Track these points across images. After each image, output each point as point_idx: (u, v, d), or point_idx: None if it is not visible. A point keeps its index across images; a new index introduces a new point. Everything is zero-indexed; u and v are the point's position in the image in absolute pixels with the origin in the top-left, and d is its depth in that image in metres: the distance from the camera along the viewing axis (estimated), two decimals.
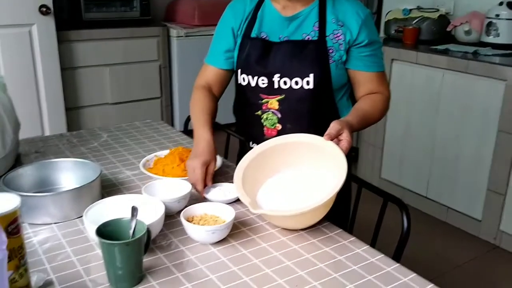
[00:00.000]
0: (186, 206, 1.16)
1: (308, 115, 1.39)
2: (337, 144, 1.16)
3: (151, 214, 1.07)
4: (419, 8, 3.18)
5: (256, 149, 1.25)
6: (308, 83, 1.35)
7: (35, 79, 3.21)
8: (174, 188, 1.25)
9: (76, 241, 1.07)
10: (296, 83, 1.36)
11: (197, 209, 1.13)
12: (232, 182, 1.20)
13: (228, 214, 1.10)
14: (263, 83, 1.40)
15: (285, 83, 1.37)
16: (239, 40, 1.44)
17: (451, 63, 2.65)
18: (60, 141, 1.70)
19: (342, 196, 1.10)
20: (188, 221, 1.09)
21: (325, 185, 1.12)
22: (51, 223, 1.14)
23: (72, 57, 3.41)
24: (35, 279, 0.90)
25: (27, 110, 3.17)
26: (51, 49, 3.22)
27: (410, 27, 3.03)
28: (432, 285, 0.91)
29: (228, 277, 0.95)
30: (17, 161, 1.49)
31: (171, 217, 1.17)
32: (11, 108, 1.47)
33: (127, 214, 0.98)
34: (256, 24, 1.42)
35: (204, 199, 1.25)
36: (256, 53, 1.39)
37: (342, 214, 1.39)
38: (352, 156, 1.61)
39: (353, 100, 1.48)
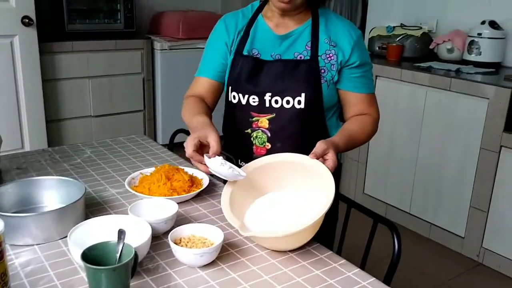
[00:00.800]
0: (173, 227, 1.14)
1: (298, 135, 1.38)
2: (323, 163, 1.15)
3: (137, 236, 1.05)
4: (402, 26, 3.22)
5: (243, 170, 1.23)
6: (299, 102, 1.35)
7: (15, 90, 3.15)
8: (161, 208, 1.22)
9: (59, 263, 1.04)
10: (288, 102, 1.35)
11: (185, 230, 1.11)
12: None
13: (217, 236, 1.08)
14: (254, 102, 1.38)
15: (276, 102, 1.36)
16: (231, 56, 1.43)
17: (434, 81, 2.68)
18: (42, 157, 1.66)
19: (329, 215, 1.08)
20: (175, 243, 1.06)
21: (312, 205, 1.11)
22: (33, 244, 1.10)
23: (54, 68, 3.36)
24: None
25: (7, 122, 3.11)
26: (32, 60, 3.17)
27: (394, 44, 3.06)
28: None
29: None
30: None
31: (157, 238, 1.14)
32: None
33: (112, 236, 0.95)
34: (248, 40, 1.41)
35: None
36: (248, 71, 1.38)
37: (328, 234, 1.38)
38: (337, 174, 1.59)
39: (342, 119, 1.48)
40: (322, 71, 1.35)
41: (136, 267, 0.95)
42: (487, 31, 2.79)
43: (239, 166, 1.47)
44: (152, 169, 1.46)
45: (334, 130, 1.45)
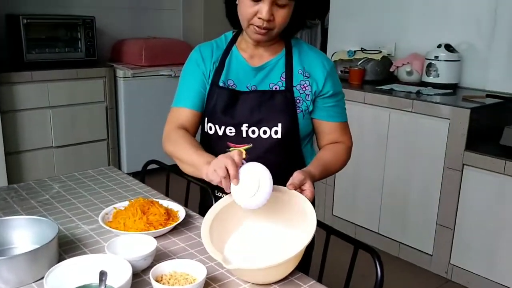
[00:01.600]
0: (152, 263, 1.11)
1: (275, 164, 1.38)
2: (300, 193, 1.17)
3: (117, 275, 1.02)
4: (363, 50, 3.31)
5: (221, 202, 1.21)
6: (276, 132, 1.35)
7: None
8: (139, 243, 1.19)
9: None
10: (265, 132, 1.36)
11: (166, 267, 1.08)
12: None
13: (199, 271, 1.06)
14: (231, 132, 1.38)
15: (253, 132, 1.36)
16: (207, 86, 1.42)
17: (396, 103, 2.75)
18: (7, 194, 1.59)
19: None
20: (157, 281, 1.04)
21: (293, 236, 1.10)
22: None
23: (13, 99, 3.26)
24: None
25: None
26: None
27: (356, 68, 3.14)
28: None
29: None
30: None
31: (137, 276, 1.11)
32: None
33: (91, 277, 0.92)
34: (223, 72, 1.41)
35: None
36: (224, 102, 1.38)
37: (305, 261, 1.38)
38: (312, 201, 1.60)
39: (316, 146, 1.50)
40: (298, 101, 1.37)
41: None
42: (443, 54, 2.91)
43: (217, 197, 1.47)
44: (125, 203, 1.43)
45: (309, 158, 1.46)
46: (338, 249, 1.40)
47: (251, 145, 1.37)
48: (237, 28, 1.44)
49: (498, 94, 2.63)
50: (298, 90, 1.37)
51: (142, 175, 1.82)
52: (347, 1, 3.58)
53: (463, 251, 2.57)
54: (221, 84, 1.40)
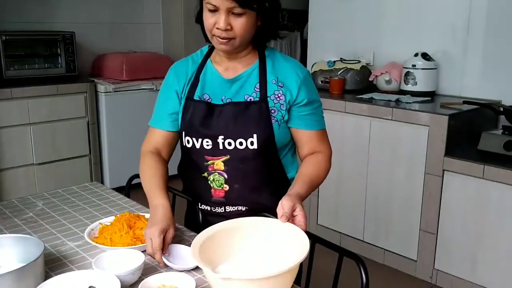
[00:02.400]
0: (140, 277, 1.11)
1: (254, 174, 1.40)
2: (293, 219, 1.16)
3: None
4: (342, 60, 3.36)
5: (215, 227, 1.18)
6: (252, 143, 1.36)
7: None
8: (126, 258, 1.19)
9: None
10: (241, 143, 1.37)
11: (154, 281, 1.09)
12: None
13: (187, 284, 1.07)
14: (208, 145, 1.39)
15: (229, 144, 1.38)
16: (183, 102, 1.44)
17: (376, 111, 2.80)
18: None
19: None
20: None
21: (287, 256, 1.07)
22: None
23: None
24: None
25: None
26: None
27: (336, 78, 3.18)
28: None
29: None
30: None
31: None
32: None
33: None
34: (199, 85, 1.43)
35: (165, 267, 1.20)
36: (200, 115, 1.40)
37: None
38: None
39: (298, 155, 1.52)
40: (272, 111, 1.38)
41: None
42: (420, 62, 2.97)
43: (202, 210, 1.48)
44: (111, 218, 1.43)
45: (290, 167, 1.48)
46: (323, 257, 1.41)
47: (228, 156, 1.39)
48: (211, 43, 1.44)
49: (474, 101, 2.69)
50: (273, 100, 1.38)
51: (126, 190, 1.82)
52: (326, 12, 3.64)
53: (446, 256, 2.60)
54: (196, 98, 1.42)
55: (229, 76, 1.42)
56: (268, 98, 1.38)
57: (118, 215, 1.42)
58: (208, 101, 1.42)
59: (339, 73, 3.23)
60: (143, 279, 1.09)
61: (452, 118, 2.51)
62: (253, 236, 1.17)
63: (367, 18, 3.39)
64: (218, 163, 1.41)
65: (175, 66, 1.50)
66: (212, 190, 1.44)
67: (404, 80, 3.04)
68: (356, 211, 3.00)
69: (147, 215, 1.45)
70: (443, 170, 2.53)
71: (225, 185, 1.42)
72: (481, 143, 2.49)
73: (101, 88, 3.74)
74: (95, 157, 3.82)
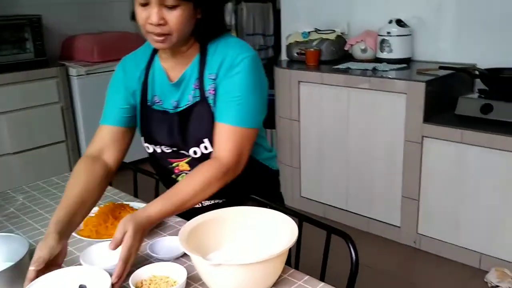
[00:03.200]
0: (131, 270, 1.10)
1: None
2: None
3: (96, 286, 1.00)
4: (316, 31, 3.33)
5: (195, 220, 1.14)
6: (206, 148, 1.31)
7: None
8: (114, 251, 1.17)
9: None
10: (195, 152, 1.33)
11: (145, 272, 1.08)
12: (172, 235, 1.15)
13: (179, 273, 1.06)
14: (168, 150, 1.37)
15: (186, 151, 1.34)
16: (138, 106, 1.38)
17: (354, 81, 2.80)
18: None
19: None
20: (137, 287, 1.03)
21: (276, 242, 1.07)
22: None
23: None
24: None
25: None
26: None
27: (312, 49, 3.16)
28: None
29: None
30: None
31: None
32: None
33: None
34: (148, 87, 1.36)
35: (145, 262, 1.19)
36: (154, 124, 1.36)
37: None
38: (276, 182, 1.61)
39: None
40: (212, 109, 1.29)
41: None
42: (395, 29, 2.96)
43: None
44: (95, 209, 1.40)
45: (256, 148, 1.39)
46: (311, 234, 1.42)
47: (190, 158, 1.36)
48: None
49: (450, 66, 2.70)
50: (208, 96, 1.29)
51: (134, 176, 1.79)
52: None
53: (429, 220, 2.66)
54: (149, 103, 1.37)
55: (174, 78, 1.33)
56: (206, 96, 1.29)
57: (102, 206, 1.39)
58: (159, 104, 1.36)
59: (314, 44, 3.20)
60: (134, 270, 1.08)
61: (429, 84, 2.52)
62: (241, 225, 1.16)
63: None
64: (183, 165, 1.39)
65: (124, 62, 1.41)
66: None
67: (380, 48, 3.03)
68: (338, 181, 3.03)
69: (131, 203, 1.43)
70: (422, 137, 2.56)
71: None
72: (458, 108, 2.52)
73: (72, 71, 3.65)
74: (72, 142, 3.75)
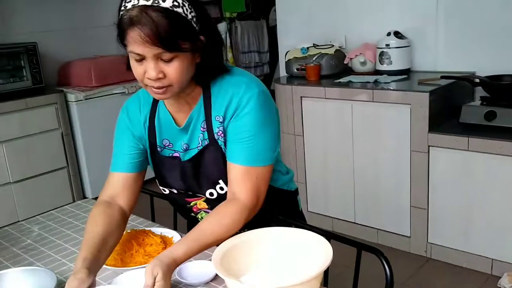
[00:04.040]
0: None
1: None
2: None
3: None
4: (315, 46, 3.35)
5: (227, 243, 1.13)
6: (221, 188, 1.30)
7: None
8: (142, 278, 1.15)
9: None
10: (211, 194, 1.32)
11: None
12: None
13: None
14: (183, 191, 1.36)
15: (202, 193, 1.34)
16: (148, 150, 1.36)
17: (356, 94, 2.81)
18: None
19: None
20: None
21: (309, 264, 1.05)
22: None
23: None
24: None
25: None
26: None
27: (312, 64, 3.18)
28: None
29: None
30: None
31: None
32: None
33: None
34: (156, 132, 1.34)
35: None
36: (166, 169, 1.35)
37: None
38: (294, 201, 1.60)
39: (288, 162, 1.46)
40: (223, 150, 1.27)
41: None
42: (393, 41, 2.99)
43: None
44: None
45: (274, 174, 1.36)
46: (335, 251, 1.40)
47: (205, 197, 1.35)
48: None
49: (451, 75, 2.73)
50: (218, 139, 1.26)
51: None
52: None
53: (439, 229, 2.66)
54: (158, 149, 1.35)
55: (181, 122, 1.30)
56: (216, 138, 1.26)
57: (124, 233, 1.37)
58: (170, 147, 1.34)
59: (314, 59, 3.22)
60: None
61: (432, 94, 2.54)
62: (271, 246, 1.15)
63: (335, 1, 3.39)
64: (201, 203, 1.38)
65: (127, 107, 1.38)
66: None
67: (379, 60, 3.06)
68: (345, 194, 3.02)
69: (152, 229, 1.42)
70: (429, 146, 2.57)
71: None
72: (462, 116, 2.53)
73: (71, 97, 3.63)
74: (73, 168, 3.72)
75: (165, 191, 1.39)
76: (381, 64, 3.05)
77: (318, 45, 3.35)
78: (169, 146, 1.34)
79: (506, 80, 2.58)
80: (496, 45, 2.76)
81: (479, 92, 2.69)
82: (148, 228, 1.43)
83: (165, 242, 1.35)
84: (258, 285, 1.03)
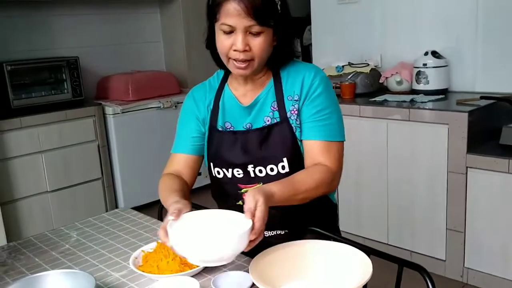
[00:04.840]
0: None
1: None
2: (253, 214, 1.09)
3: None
4: (350, 64, 3.35)
5: (263, 255, 1.15)
6: (283, 167, 1.33)
7: None
8: (180, 286, 1.16)
9: None
10: (272, 169, 1.34)
11: None
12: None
13: None
14: (239, 174, 1.37)
15: (260, 171, 1.35)
16: (207, 132, 1.42)
17: (393, 113, 2.79)
18: (26, 248, 1.55)
19: None
20: None
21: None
22: None
23: (3, 148, 3.19)
24: None
25: None
26: None
27: (347, 82, 3.17)
28: None
29: None
30: None
31: None
32: None
33: None
34: (219, 114, 1.40)
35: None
36: (226, 146, 1.37)
37: None
38: (334, 215, 1.59)
39: None
40: (295, 129, 1.33)
41: None
42: (430, 61, 2.96)
43: None
44: (153, 245, 1.40)
45: None
46: (374, 265, 1.38)
47: (261, 183, 1.35)
48: (224, 69, 1.43)
49: (491, 95, 2.68)
50: (290, 117, 1.33)
51: (159, 214, 1.79)
52: (327, 17, 3.63)
53: (476, 253, 2.58)
54: (219, 128, 1.39)
55: (247, 103, 1.39)
56: (288, 117, 1.34)
57: (160, 241, 1.38)
58: (231, 129, 1.39)
59: (349, 77, 3.22)
60: None
61: (471, 114, 2.50)
62: (309, 258, 1.14)
63: (370, 20, 3.39)
64: None
65: (193, 92, 1.48)
66: None
67: (416, 80, 3.03)
68: (378, 214, 2.98)
69: None
70: (467, 167, 2.51)
71: None
72: (502, 137, 2.47)
73: (109, 110, 3.72)
74: (108, 180, 3.79)
75: (219, 173, 1.40)
76: (417, 83, 3.02)
77: (353, 64, 3.34)
78: (231, 128, 1.39)
79: None
80: None
81: None
82: None
83: None
84: None
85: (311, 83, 1.32)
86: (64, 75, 3.61)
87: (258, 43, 1.25)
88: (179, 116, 1.50)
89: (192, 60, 4.38)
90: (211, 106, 1.42)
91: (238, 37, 1.23)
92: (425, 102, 2.80)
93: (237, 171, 1.37)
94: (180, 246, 1.08)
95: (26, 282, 1.16)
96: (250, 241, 1.08)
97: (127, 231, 1.63)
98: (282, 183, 1.22)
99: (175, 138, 1.48)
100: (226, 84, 1.43)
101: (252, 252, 1.17)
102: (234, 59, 1.26)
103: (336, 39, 3.60)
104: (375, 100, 2.98)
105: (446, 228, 2.66)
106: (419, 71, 2.99)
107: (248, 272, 1.09)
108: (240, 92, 1.40)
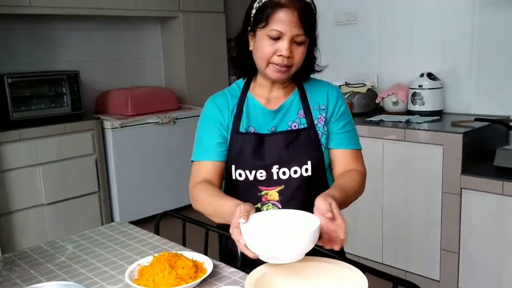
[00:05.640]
0: None
1: (306, 202, 1.38)
2: (333, 222, 1.16)
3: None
4: (347, 84, 3.40)
5: (261, 269, 1.17)
6: (306, 170, 1.39)
7: None
8: None
9: None
10: (295, 172, 1.39)
11: None
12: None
13: None
14: (262, 176, 1.40)
15: (284, 173, 1.40)
16: (229, 136, 1.45)
17: (388, 133, 2.82)
18: (21, 260, 1.55)
19: None
20: None
21: None
22: None
23: (1, 159, 3.20)
24: None
25: None
26: None
27: None
28: None
29: None
30: None
31: None
32: None
33: None
34: (243, 118, 1.44)
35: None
36: (250, 147, 1.41)
37: None
38: None
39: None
40: (320, 136, 1.43)
41: None
42: (426, 82, 3.01)
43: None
44: (149, 259, 1.41)
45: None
46: (369, 283, 1.39)
47: (282, 186, 1.39)
48: (248, 76, 1.48)
49: (485, 118, 2.71)
50: (317, 124, 1.44)
51: (156, 228, 1.80)
52: (325, 37, 3.68)
53: (470, 274, 2.59)
54: (242, 130, 1.43)
55: (272, 108, 1.45)
56: (316, 125, 1.43)
57: (156, 255, 1.40)
58: (255, 132, 1.43)
59: (346, 97, 3.25)
60: None
61: (466, 136, 2.53)
62: (307, 275, 1.16)
63: (367, 41, 3.45)
64: (272, 194, 1.42)
65: (214, 99, 1.50)
66: None
67: (412, 101, 3.07)
68: (373, 234, 2.99)
69: (185, 253, 1.43)
70: (461, 188, 2.53)
71: None
72: (496, 159, 2.50)
73: (107, 124, 3.74)
74: (104, 194, 3.80)
75: (241, 176, 1.42)
76: (413, 104, 3.06)
77: (350, 84, 3.38)
78: (255, 132, 1.43)
79: None
80: None
81: None
82: (180, 252, 1.44)
83: (197, 266, 1.36)
84: None
85: (336, 99, 1.46)
86: (64, 88, 3.64)
87: (300, 52, 1.34)
88: (198, 125, 1.51)
89: (191, 77, 4.43)
90: (235, 112, 1.46)
91: (285, 44, 1.30)
92: (421, 123, 2.83)
93: (260, 172, 1.40)
94: (254, 243, 1.10)
95: None
96: (341, 239, 1.20)
97: (123, 244, 1.64)
98: (334, 189, 1.31)
99: (196, 145, 1.49)
100: (249, 92, 1.48)
101: (248, 268, 1.19)
102: (276, 64, 1.33)
103: (334, 59, 3.64)
104: (371, 120, 3.01)
105: (441, 249, 2.67)
106: (415, 92, 3.04)
107: None
108: (263, 99, 1.46)
